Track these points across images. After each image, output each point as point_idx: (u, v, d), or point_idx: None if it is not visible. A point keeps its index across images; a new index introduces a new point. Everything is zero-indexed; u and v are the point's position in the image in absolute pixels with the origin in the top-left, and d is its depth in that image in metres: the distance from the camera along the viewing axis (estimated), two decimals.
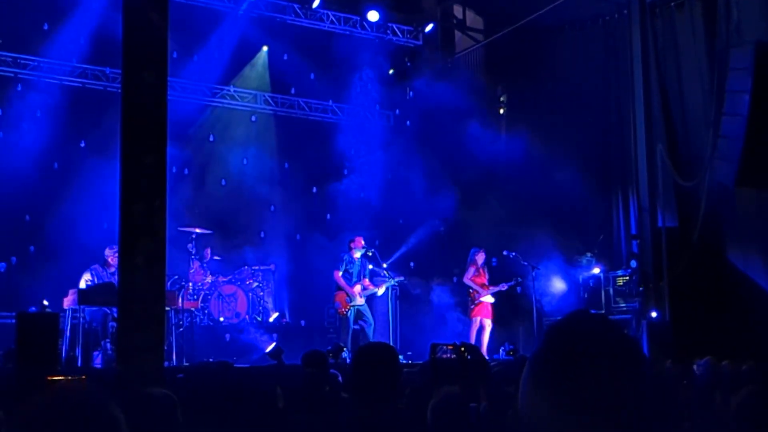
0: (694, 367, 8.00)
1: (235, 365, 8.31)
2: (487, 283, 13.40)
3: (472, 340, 12.91)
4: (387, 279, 13.15)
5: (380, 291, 13.21)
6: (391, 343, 13.09)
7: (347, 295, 12.85)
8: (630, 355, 1.47)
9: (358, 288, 12.88)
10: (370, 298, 13.43)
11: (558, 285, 13.94)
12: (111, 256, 11.80)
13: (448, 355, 3.97)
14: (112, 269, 11.68)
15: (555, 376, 1.44)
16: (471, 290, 13.39)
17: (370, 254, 13.12)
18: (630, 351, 1.48)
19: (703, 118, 12.92)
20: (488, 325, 13.31)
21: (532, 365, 1.50)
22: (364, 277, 13.09)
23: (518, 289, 13.78)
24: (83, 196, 13.65)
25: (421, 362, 6.78)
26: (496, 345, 13.66)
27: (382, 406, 3.48)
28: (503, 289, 13.45)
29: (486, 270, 13.56)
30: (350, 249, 13.04)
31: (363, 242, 13.09)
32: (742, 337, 10.80)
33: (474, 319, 13.26)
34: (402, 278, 13.59)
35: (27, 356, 7.38)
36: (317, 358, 6.50)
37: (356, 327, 12.81)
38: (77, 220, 13.51)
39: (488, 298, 13.32)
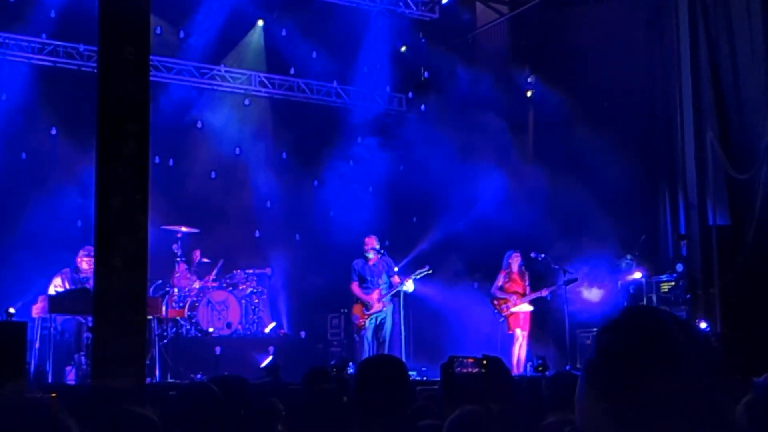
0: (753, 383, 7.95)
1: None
2: (521, 291, 13.32)
3: (514, 356, 12.92)
4: (406, 277, 13.11)
5: (408, 286, 13.10)
6: (404, 358, 13.12)
7: (363, 305, 12.85)
8: (699, 353, 1.41)
9: (375, 294, 12.89)
10: None
11: (593, 291, 13.91)
12: (84, 259, 11.83)
13: (468, 369, 3.96)
14: (85, 274, 11.71)
15: (612, 382, 1.39)
16: (495, 301, 13.36)
17: (380, 255, 13.14)
18: (699, 348, 1.42)
19: (761, 101, 12.87)
20: (523, 337, 13.27)
21: (587, 372, 1.45)
22: (392, 276, 13.06)
23: (548, 296, 13.76)
24: (54, 190, 13.69)
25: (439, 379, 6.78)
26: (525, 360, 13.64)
27: (389, 427, 3.47)
28: (543, 294, 13.40)
29: (526, 275, 13.49)
30: (364, 251, 13.10)
31: (375, 242, 13.09)
32: None
33: (513, 332, 13.24)
34: (427, 268, 13.41)
35: None
36: (319, 377, 6.49)
37: (374, 341, 12.82)
38: (48, 217, 13.55)
39: (524, 307, 13.28)
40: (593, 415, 1.41)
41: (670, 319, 1.45)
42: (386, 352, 12.65)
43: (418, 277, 13.21)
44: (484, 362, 3.91)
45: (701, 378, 1.37)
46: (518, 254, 13.47)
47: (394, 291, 13.06)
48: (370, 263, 13.08)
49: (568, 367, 12.74)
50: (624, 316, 1.47)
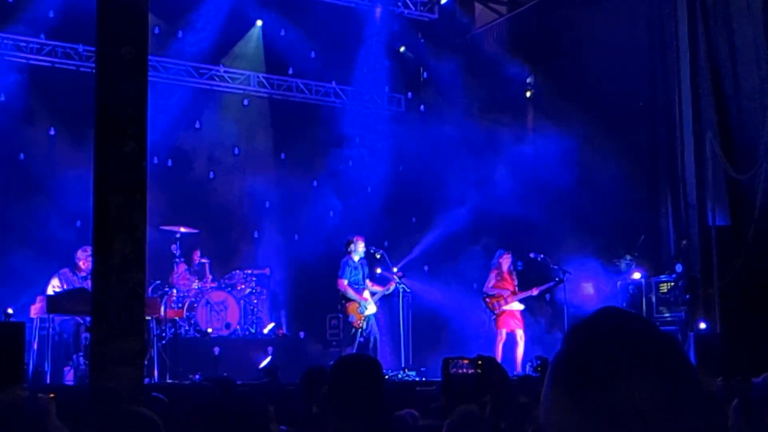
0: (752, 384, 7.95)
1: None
2: (512, 290, 13.41)
3: (498, 355, 12.92)
4: (394, 279, 13.19)
5: (390, 289, 13.21)
6: (403, 358, 13.15)
7: (359, 304, 12.87)
8: (667, 356, 1.41)
9: (367, 294, 12.91)
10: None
11: (593, 292, 13.92)
12: (83, 259, 11.85)
13: (464, 371, 3.97)
14: (83, 273, 11.73)
15: (579, 382, 1.39)
16: (488, 298, 13.40)
17: (378, 256, 13.17)
18: (667, 350, 1.42)
19: (761, 101, 12.87)
20: (520, 336, 13.31)
21: (554, 371, 1.45)
22: (366, 279, 13.13)
23: (547, 296, 13.76)
24: (53, 191, 13.69)
25: (438, 380, 6.80)
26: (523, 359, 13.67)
27: (363, 426, 3.49)
28: (533, 294, 13.45)
29: (514, 275, 13.58)
30: (348, 252, 13.08)
31: (363, 243, 13.10)
32: None
33: (499, 331, 13.28)
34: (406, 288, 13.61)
35: None
36: (318, 377, 6.50)
37: (361, 340, 12.85)
38: (46, 217, 13.56)
39: (515, 305, 13.34)
40: (556, 413, 1.41)
41: (636, 321, 1.46)
42: (377, 352, 12.69)
43: (399, 283, 13.32)
44: (479, 362, 3.92)
45: (666, 380, 1.38)
46: (509, 254, 13.54)
47: (380, 295, 13.16)
48: (357, 264, 13.13)
49: None
50: (592, 317, 1.47)
